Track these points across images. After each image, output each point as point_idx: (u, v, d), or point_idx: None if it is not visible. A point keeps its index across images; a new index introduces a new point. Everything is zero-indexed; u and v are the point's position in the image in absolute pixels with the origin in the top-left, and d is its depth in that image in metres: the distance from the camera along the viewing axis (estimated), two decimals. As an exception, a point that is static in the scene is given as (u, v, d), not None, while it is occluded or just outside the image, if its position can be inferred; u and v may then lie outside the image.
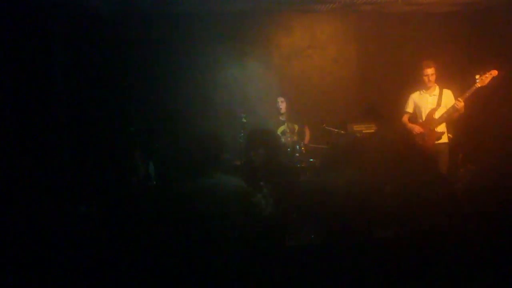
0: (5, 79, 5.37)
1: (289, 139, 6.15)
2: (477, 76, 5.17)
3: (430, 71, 5.50)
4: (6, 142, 5.17)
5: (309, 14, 7.28)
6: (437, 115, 5.49)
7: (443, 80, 5.60)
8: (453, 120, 5.49)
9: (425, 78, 5.52)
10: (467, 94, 5.21)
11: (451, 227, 3.18)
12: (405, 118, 5.81)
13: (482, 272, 2.68)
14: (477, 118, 5.75)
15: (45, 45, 6.09)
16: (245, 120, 6.16)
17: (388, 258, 2.78)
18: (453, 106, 5.29)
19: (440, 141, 5.52)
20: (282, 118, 6.40)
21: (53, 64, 6.22)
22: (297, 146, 5.94)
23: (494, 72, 5.12)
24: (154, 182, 5.10)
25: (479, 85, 5.14)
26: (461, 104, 5.21)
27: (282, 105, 6.40)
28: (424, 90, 5.64)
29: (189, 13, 6.87)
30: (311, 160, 5.97)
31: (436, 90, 5.57)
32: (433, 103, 5.54)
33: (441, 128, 5.53)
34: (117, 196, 4.51)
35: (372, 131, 6.70)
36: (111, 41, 6.64)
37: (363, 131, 6.64)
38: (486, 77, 5.13)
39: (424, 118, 5.60)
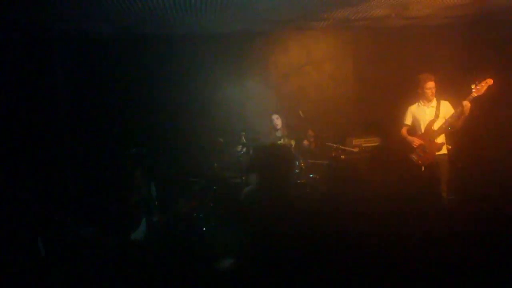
0: (8, 102, 5.45)
1: None
2: (473, 86, 5.18)
3: (431, 84, 5.50)
4: (11, 165, 5.21)
5: (304, 32, 7.38)
6: (436, 126, 5.48)
7: (440, 91, 5.62)
8: (453, 131, 5.48)
9: (428, 92, 5.50)
10: (465, 103, 5.22)
11: (451, 236, 3.17)
12: (404, 131, 5.81)
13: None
14: (474, 128, 5.74)
15: (47, 67, 6.20)
16: (244, 139, 6.22)
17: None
18: (454, 114, 5.28)
19: (440, 152, 5.51)
20: (278, 134, 6.46)
21: (55, 87, 6.31)
22: (296, 162, 5.95)
23: (490, 81, 5.13)
24: (156, 203, 5.11)
25: (476, 94, 5.14)
26: (468, 105, 5.18)
27: (278, 121, 6.49)
28: (422, 102, 5.65)
29: (188, 35, 6.98)
30: (311, 175, 5.97)
31: (434, 101, 5.57)
32: (431, 114, 5.55)
33: (441, 139, 5.52)
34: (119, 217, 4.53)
35: (372, 145, 6.72)
36: (112, 64, 6.76)
37: (363, 145, 6.65)
38: (482, 86, 5.13)
39: (423, 130, 5.60)
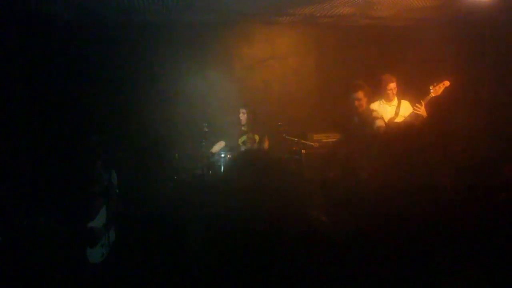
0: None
1: None
2: (431, 87, 5.36)
3: (393, 85, 5.66)
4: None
5: (270, 26, 7.42)
6: (395, 124, 5.64)
7: (401, 91, 5.77)
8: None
9: (389, 92, 5.65)
10: (423, 103, 5.38)
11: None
12: None
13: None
14: (433, 127, 5.94)
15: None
16: (206, 130, 6.20)
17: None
18: (412, 113, 5.44)
19: (398, 150, 5.66)
20: (243, 128, 6.46)
21: (9, 70, 6.07)
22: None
23: (447, 83, 5.33)
24: (117, 191, 5.04)
25: (433, 95, 5.33)
26: (421, 108, 5.35)
27: (243, 116, 6.46)
28: (383, 101, 5.79)
29: (152, 23, 6.87)
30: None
31: (395, 100, 5.72)
32: (392, 112, 5.69)
33: (399, 136, 5.67)
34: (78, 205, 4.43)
35: (332, 140, 6.83)
36: (72, 49, 6.57)
37: (323, 140, 6.76)
38: (439, 87, 5.33)
39: (383, 127, 5.73)
